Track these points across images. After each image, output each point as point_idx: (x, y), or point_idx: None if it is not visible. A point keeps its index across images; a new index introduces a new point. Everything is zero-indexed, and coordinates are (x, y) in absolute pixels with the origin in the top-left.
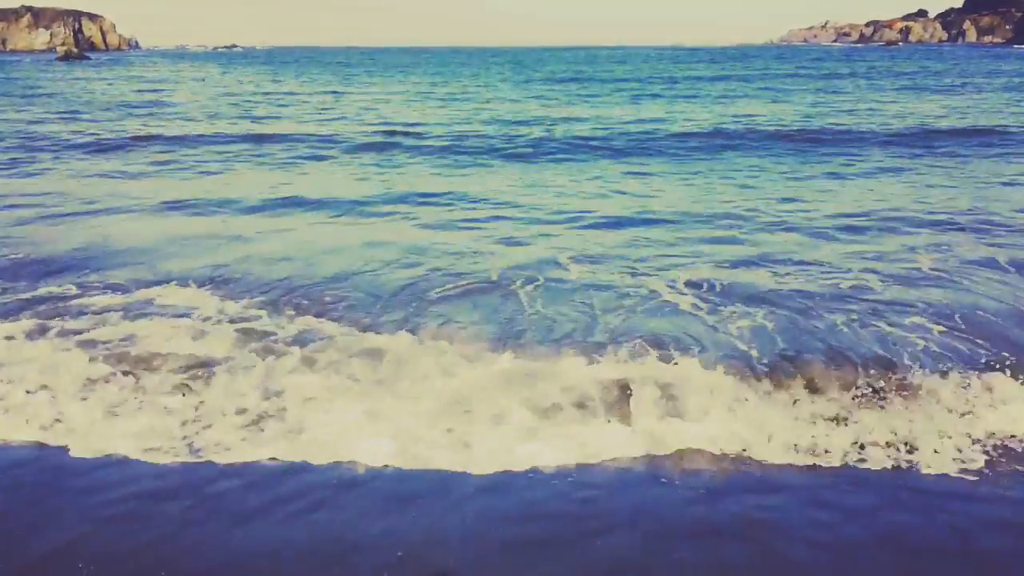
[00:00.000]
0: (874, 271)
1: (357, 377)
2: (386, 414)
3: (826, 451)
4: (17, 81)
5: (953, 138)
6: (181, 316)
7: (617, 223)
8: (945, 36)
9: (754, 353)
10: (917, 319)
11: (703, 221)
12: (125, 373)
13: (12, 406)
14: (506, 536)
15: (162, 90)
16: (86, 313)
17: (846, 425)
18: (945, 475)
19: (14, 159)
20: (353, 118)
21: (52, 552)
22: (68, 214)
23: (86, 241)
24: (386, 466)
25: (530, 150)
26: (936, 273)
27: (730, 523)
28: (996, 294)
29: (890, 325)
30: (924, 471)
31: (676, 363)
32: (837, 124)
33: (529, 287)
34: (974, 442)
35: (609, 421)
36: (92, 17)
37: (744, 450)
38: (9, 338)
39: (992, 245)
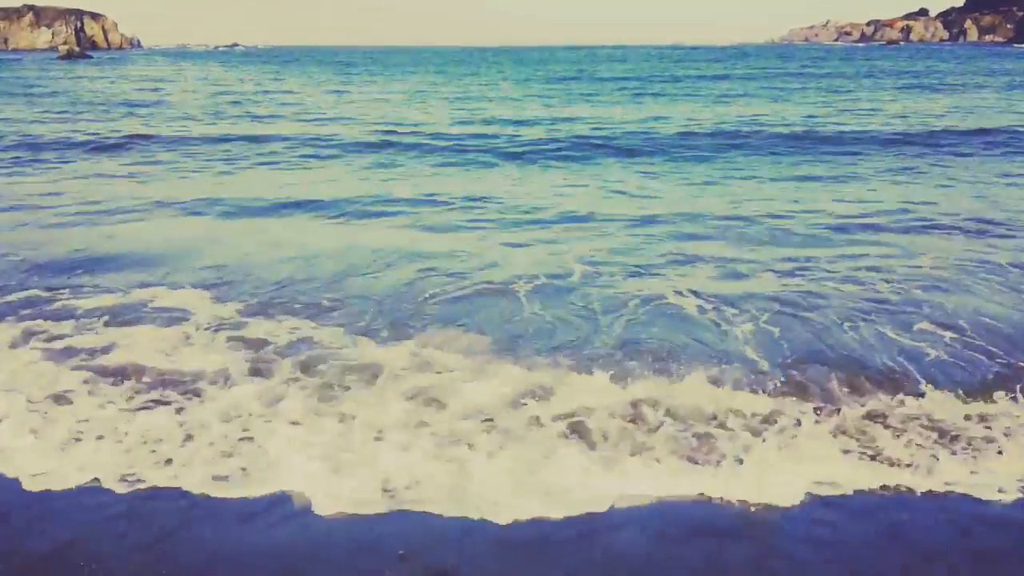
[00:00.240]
0: (880, 274)
1: (342, 405)
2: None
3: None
4: (19, 80)
5: (959, 138)
6: (170, 321)
7: (620, 224)
8: (946, 35)
9: (764, 365)
10: (925, 325)
11: (705, 223)
12: (90, 393)
13: None
14: None
15: (163, 89)
16: (73, 317)
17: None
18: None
19: (16, 158)
20: (354, 118)
21: None
22: (65, 215)
23: (82, 242)
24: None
25: (531, 150)
26: (947, 276)
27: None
28: (1005, 299)
29: (896, 332)
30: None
31: (685, 383)
32: (841, 123)
33: (531, 291)
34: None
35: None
36: (94, 16)
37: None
38: None
39: (1005, 249)
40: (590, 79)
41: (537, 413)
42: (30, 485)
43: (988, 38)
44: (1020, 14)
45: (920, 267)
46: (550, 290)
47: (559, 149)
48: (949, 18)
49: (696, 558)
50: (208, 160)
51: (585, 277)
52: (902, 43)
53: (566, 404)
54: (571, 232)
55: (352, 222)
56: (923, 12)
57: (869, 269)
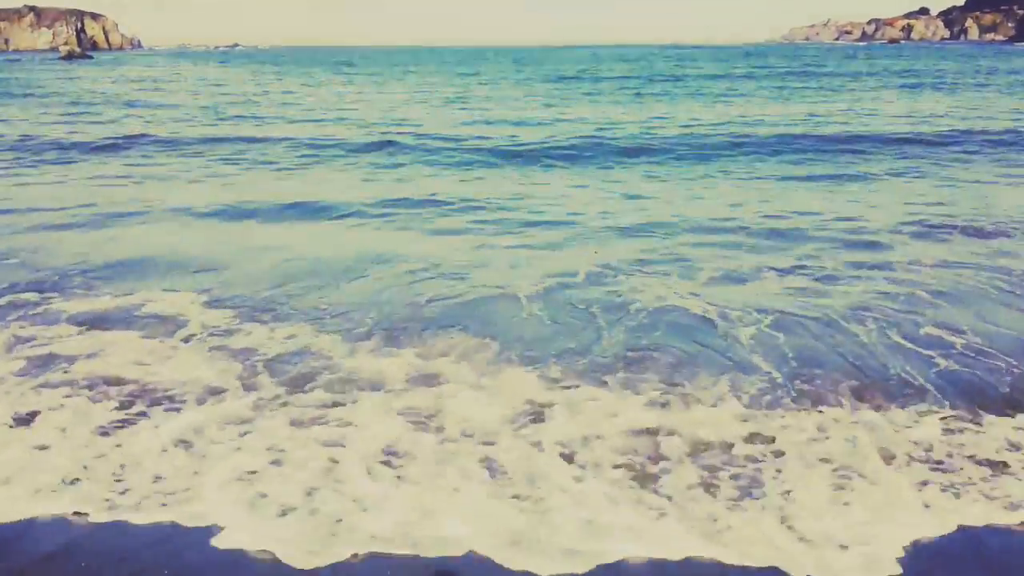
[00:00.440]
0: (887, 278)
1: (321, 427)
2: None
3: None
4: (19, 80)
5: (962, 138)
6: (158, 328)
7: (624, 227)
8: (947, 34)
9: (774, 374)
10: (931, 329)
11: (706, 223)
12: (59, 406)
13: None
14: None
15: (163, 89)
16: (61, 321)
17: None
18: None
19: (18, 158)
20: (354, 118)
21: None
22: (64, 216)
23: (80, 244)
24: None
25: (532, 150)
26: (950, 282)
27: None
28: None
29: (904, 340)
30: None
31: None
32: (842, 123)
33: (534, 295)
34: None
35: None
36: (94, 16)
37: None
38: None
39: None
40: (591, 79)
41: (539, 439)
42: None
43: (989, 37)
44: (1021, 12)
45: (922, 268)
46: (553, 293)
47: (561, 149)
48: (950, 17)
49: None
50: (208, 161)
51: (589, 279)
52: (903, 42)
53: (566, 431)
54: (573, 234)
55: (352, 224)
56: (924, 11)
57: (872, 268)
